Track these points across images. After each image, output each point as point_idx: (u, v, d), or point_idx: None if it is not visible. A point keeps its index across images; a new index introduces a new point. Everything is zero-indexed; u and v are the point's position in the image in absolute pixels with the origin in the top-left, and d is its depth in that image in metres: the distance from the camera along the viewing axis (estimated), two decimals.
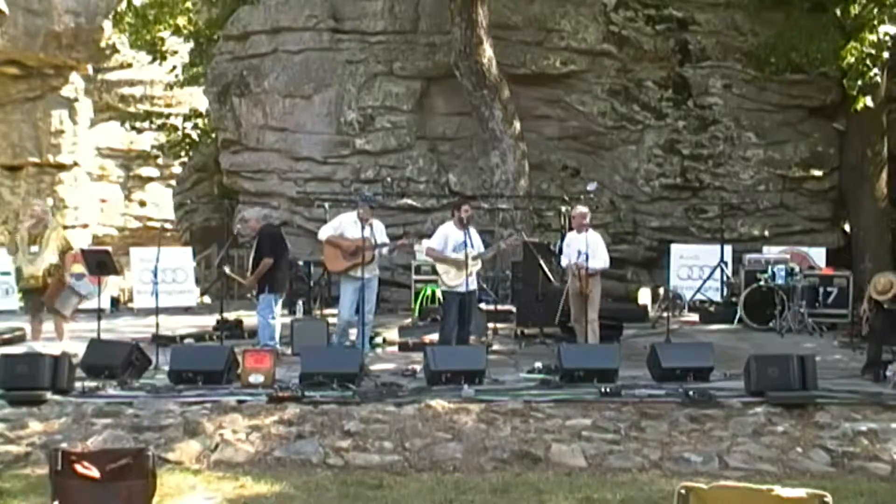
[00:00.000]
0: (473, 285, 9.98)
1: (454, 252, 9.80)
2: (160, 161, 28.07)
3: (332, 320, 11.55)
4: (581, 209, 10.65)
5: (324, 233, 10.23)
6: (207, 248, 19.25)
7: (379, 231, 10.26)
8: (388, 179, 16.25)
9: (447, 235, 9.91)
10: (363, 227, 9.99)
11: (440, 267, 9.92)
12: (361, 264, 9.83)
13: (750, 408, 7.72)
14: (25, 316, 11.32)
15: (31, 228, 10.15)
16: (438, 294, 13.23)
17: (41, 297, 10.27)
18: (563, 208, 13.95)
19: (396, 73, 16.66)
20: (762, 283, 12.76)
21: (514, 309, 12.81)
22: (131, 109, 27.25)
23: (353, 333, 10.58)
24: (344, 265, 10.02)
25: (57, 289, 10.17)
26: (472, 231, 9.98)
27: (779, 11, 15.87)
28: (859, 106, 14.55)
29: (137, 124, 25.59)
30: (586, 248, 9.97)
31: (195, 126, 24.14)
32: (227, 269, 12.32)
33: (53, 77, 23.27)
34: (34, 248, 10.02)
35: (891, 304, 9.16)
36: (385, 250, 10.45)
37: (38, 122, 23.25)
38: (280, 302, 10.42)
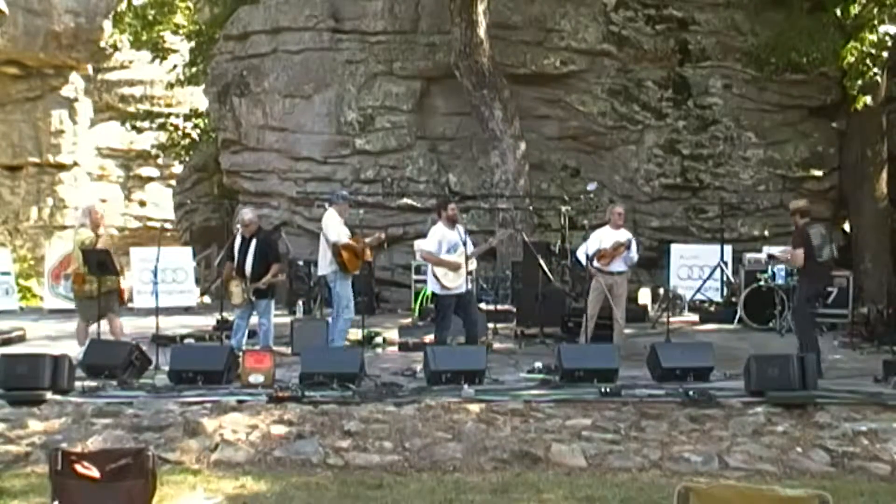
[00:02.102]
0: (469, 284, 9.95)
1: (448, 254, 9.69)
2: (160, 161, 28.07)
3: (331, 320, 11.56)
4: (620, 207, 10.93)
5: (341, 236, 10.01)
6: (207, 248, 19.26)
7: None
8: (388, 179, 16.25)
9: (441, 237, 9.78)
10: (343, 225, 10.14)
11: (438, 270, 9.72)
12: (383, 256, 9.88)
13: (750, 408, 7.72)
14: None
15: (97, 230, 9.92)
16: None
17: (120, 298, 10.20)
18: (564, 208, 13.95)
19: (396, 73, 16.65)
20: (762, 283, 12.76)
21: (514, 309, 12.80)
22: (131, 109, 27.25)
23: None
24: (358, 264, 10.14)
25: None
26: (460, 229, 9.92)
27: (779, 11, 15.86)
28: (859, 106, 14.53)
29: (137, 124, 25.58)
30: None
31: (195, 126, 24.14)
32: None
33: (53, 77, 23.30)
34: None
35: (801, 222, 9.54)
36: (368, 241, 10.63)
37: (38, 122, 23.28)
38: None
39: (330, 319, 10.61)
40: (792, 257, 9.71)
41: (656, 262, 16.04)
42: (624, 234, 10.60)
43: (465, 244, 9.69)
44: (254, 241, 10.07)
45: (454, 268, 9.60)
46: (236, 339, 10.03)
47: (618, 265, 10.37)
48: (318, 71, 16.82)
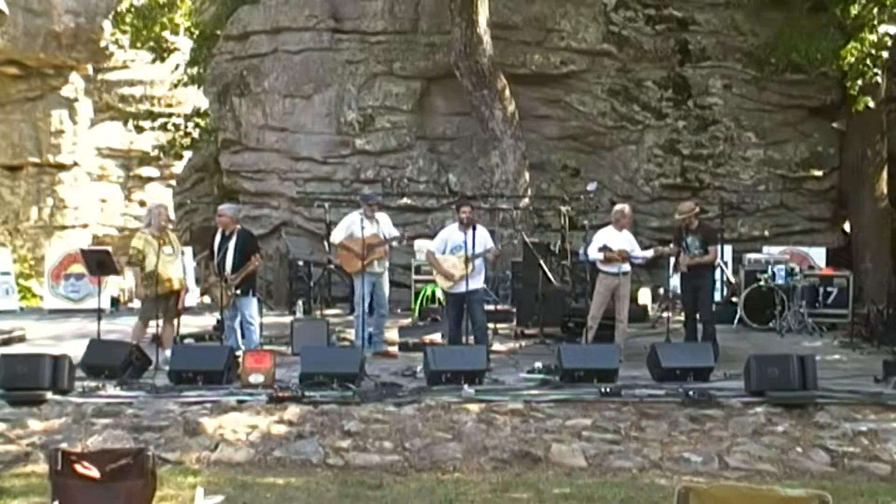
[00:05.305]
0: (474, 285, 9.87)
1: (451, 254, 9.83)
2: (160, 161, 28.03)
3: (332, 320, 11.57)
4: (628, 209, 10.84)
5: (336, 236, 10.45)
6: (207, 248, 19.20)
7: (386, 225, 10.57)
8: (388, 179, 16.25)
9: (447, 238, 10.02)
10: (368, 225, 10.20)
11: (434, 271, 10.12)
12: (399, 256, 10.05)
13: (750, 408, 7.73)
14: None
15: (158, 230, 9.83)
16: (439, 294, 13.26)
17: (178, 299, 10.03)
18: (564, 208, 13.94)
19: (396, 73, 16.64)
20: (762, 283, 12.76)
21: (514, 309, 12.80)
22: (131, 109, 27.21)
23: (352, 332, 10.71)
24: (354, 265, 10.23)
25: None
26: (479, 231, 9.90)
27: (779, 11, 15.85)
28: (860, 106, 14.53)
29: (139, 124, 25.50)
30: (630, 246, 10.43)
31: (196, 125, 24.10)
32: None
33: (53, 77, 23.26)
34: (168, 250, 9.80)
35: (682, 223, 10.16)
36: (395, 242, 10.71)
37: (38, 122, 23.24)
38: None
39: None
40: (713, 255, 10.21)
41: (656, 262, 16.00)
42: (627, 237, 10.52)
43: (471, 247, 9.65)
44: (233, 239, 10.02)
45: (446, 269, 9.79)
46: (230, 341, 10.01)
47: (624, 265, 10.36)
48: (318, 71, 16.81)
